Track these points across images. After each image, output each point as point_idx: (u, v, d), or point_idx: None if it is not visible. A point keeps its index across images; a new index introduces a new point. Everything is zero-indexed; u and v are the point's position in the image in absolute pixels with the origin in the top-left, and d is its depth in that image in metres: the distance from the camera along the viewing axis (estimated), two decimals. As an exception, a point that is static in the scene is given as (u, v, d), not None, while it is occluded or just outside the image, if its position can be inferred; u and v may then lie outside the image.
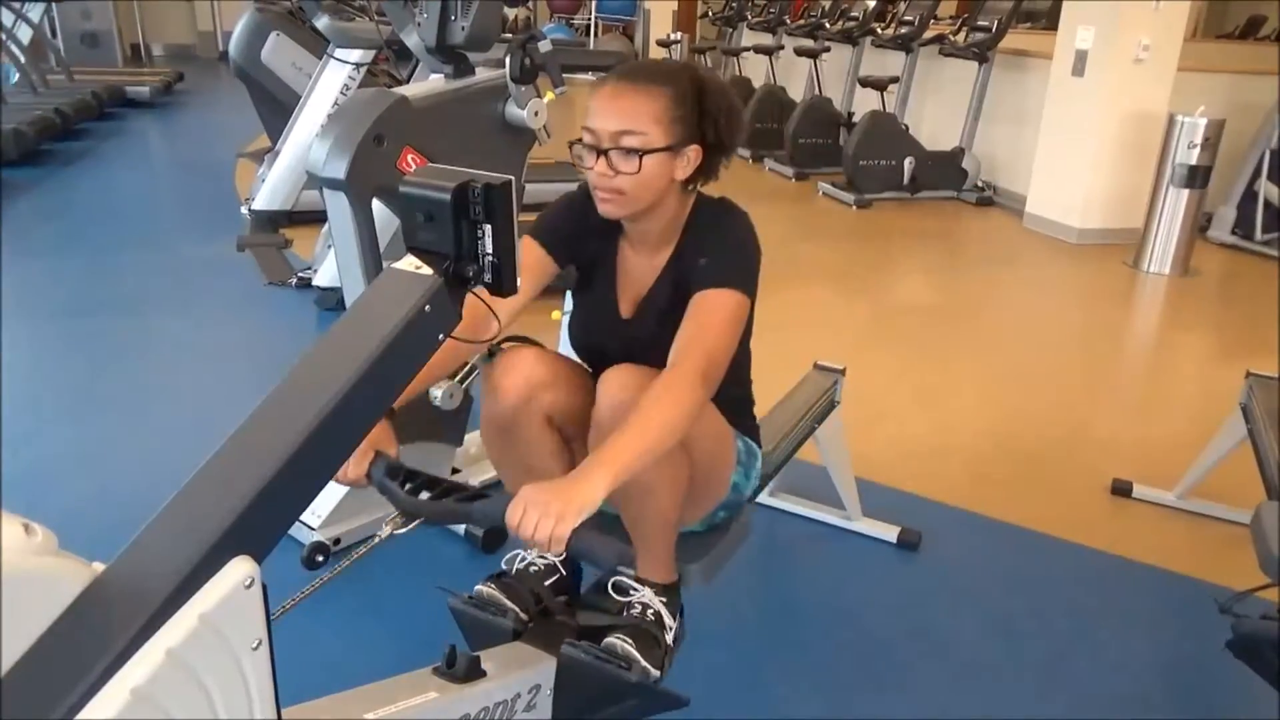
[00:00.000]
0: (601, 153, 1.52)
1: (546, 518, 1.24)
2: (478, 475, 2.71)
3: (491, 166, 1.22)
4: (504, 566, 1.76)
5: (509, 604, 1.67)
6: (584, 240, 1.71)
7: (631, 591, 1.67)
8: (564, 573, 1.76)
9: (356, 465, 1.39)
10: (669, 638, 1.64)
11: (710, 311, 1.54)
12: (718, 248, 1.59)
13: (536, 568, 1.75)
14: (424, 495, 1.34)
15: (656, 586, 1.67)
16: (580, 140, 1.56)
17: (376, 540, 1.53)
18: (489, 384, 1.63)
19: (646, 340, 1.58)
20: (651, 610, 1.64)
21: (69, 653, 0.90)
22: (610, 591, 1.68)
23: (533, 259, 1.66)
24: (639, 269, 1.69)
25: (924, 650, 2.21)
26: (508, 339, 2.58)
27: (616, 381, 1.50)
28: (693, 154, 1.56)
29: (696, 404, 1.44)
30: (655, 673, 1.57)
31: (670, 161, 1.54)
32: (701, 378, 1.46)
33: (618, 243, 1.71)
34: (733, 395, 1.74)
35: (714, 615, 2.11)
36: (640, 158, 1.50)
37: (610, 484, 1.31)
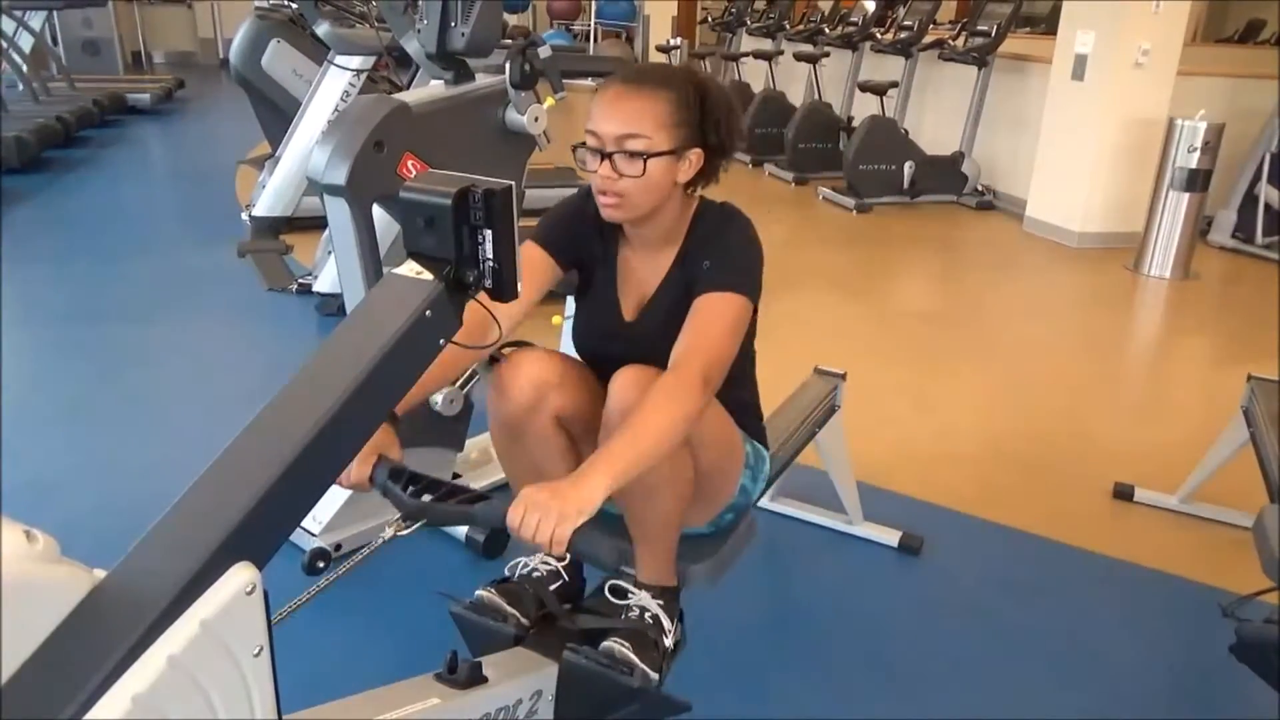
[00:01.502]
0: (605, 156, 1.53)
1: (548, 519, 1.24)
2: (479, 480, 2.70)
3: (492, 172, 1.22)
4: (506, 573, 1.76)
5: (510, 609, 1.66)
6: (586, 243, 1.72)
7: (629, 595, 1.67)
8: (567, 578, 1.76)
9: (359, 469, 1.39)
10: (667, 641, 1.64)
11: (712, 315, 1.55)
12: (721, 251, 1.60)
13: (540, 573, 1.75)
14: (426, 498, 1.35)
15: (654, 590, 1.67)
16: (583, 144, 1.56)
17: (379, 543, 1.53)
18: (497, 384, 1.64)
19: (651, 343, 1.58)
20: (649, 614, 1.64)
21: (71, 660, 0.90)
22: (607, 594, 1.68)
23: (535, 262, 1.67)
24: (642, 272, 1.70)
25: (926, 655, 2.21)
26: (509, 344, 2.58)
27: (626, 382, 1.50)
28: (694, 157, 1.57)
29: (696, 407, 1.45)
30: (654, 676, 1.57)
31: (673, 165, 1.56)
32: (702, 381, 1.46)
33: (619, 246, 1.72)
34: (740, 399, 1.74)
35: (716, 620, 2.10)
36: (644, 161, 1.52)
37: (610, 486, 1.31)
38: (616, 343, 1.69)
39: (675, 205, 1.62)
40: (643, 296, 1.70)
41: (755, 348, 1.78)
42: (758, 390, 1.84)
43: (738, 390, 1.71)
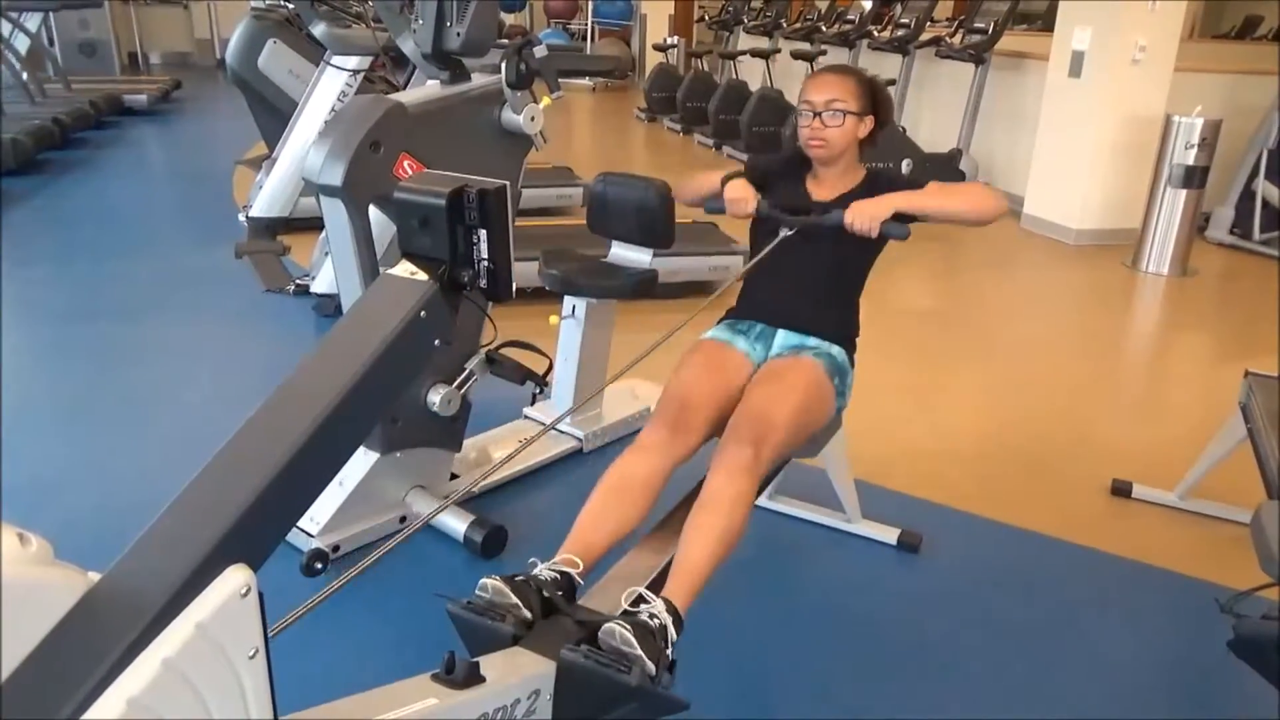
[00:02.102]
0: (817, 114, 2.19)
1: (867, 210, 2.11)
2: (477, 481, 2.70)
3: (488, 172, 1.23)
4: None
5: (513, 598, 1.66)
6: (781, 179, 2.35)
7: (645, 602, 1.68)
8: (571, 587, 1.76)
9: (753, 201, 2.23)
10: (669, 652, 1.64)
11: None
12: (885, 184, 2.26)
13: (545, 577, 1.74)
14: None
15: (670, 607, 1.68)
16: (799, 110, 2.24)
17: (393, 541, 1.52)
18: (641, 438, 2.02)
19: (829, 210, 2.19)
20: (658, 621, 1.64)
21: (65, 662, 0.90)
22: (623, 603, 1.69)
23: (749, 192, 2.27)
24: (824, 197, 2.29)
25: (924, 652, 2.21)
26: (508, 344, 2.59)
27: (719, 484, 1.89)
28: (869, 122, 2.24)
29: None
30: (651, 667, 1.56)
31: (857, 123, 2.21)
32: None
33: (805, 176, 2.33)
34: (856, 304, 2.36)
35: (714, 618, 2.10)
36: (845, 116, 2.18)
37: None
38: (804, 211, 2.25)
39: (853, 154, 2.28)
40: (828, 197, 2.28)
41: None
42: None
43: (856, 295, 2.37)
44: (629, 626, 1.57)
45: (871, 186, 2.27)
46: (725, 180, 2.30)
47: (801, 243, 2.22)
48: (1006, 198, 2.18)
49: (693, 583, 1.76)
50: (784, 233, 2.21)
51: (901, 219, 2.15)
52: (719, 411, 2.07)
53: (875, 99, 2.25)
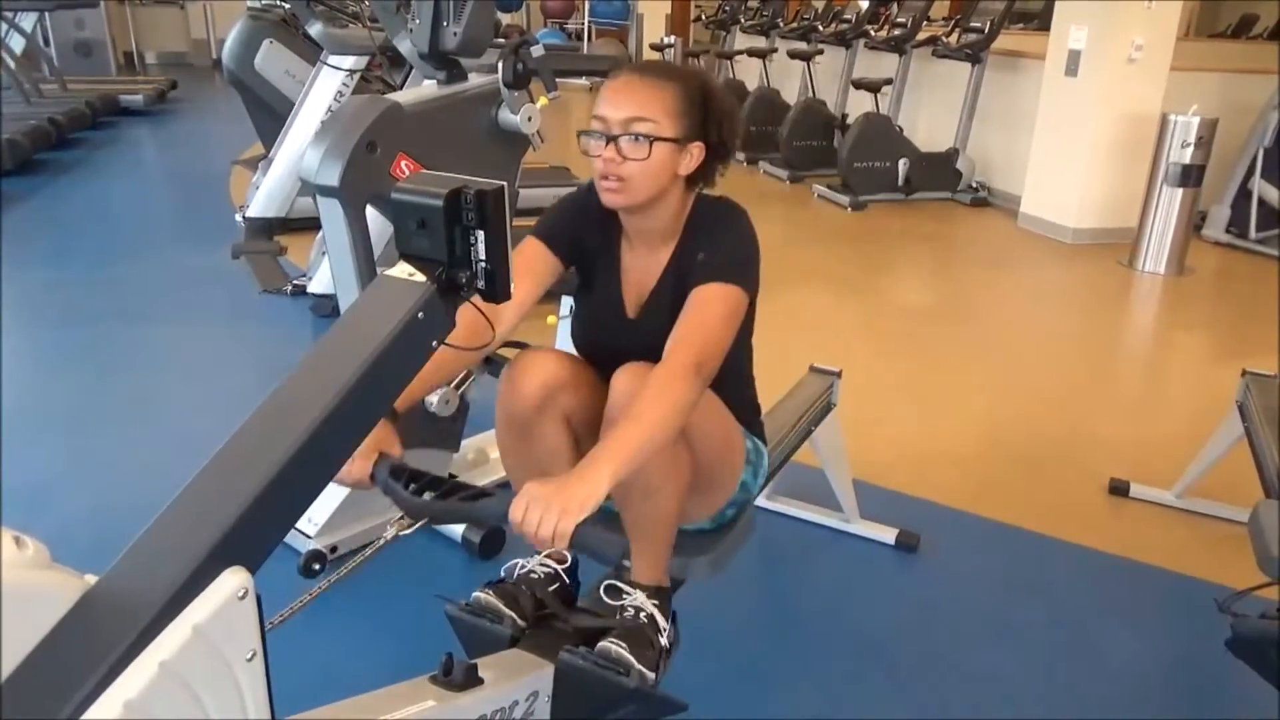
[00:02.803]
0: (611, 139, 1.56)
1: (550, 514, 1.25)
2: (476, 480, 2.69)
3: (485, 172, 1.22)
4: (503, 574, 1.76)
5: (506, 610, 1.66)
6: (588, 239, 1.73)
7: (624, 595, 1.66)
8: (565, 581, 1.76)
9: (360, 466, 1.39)
10: (663, 640, 1.64)
11: (705, 305, 1.55)
12: (717, 243, 1.62)
13: (537, 575, 1.74)
14: (428, 495, 1.34)
15: (649, 589, 1.67)
16: (589, 130, 1.58)
17: (381, 543, 1.53)
18: (507, 383, 1.64)
19: (652, 339, 1.56)
20: (644, 613, 1.64)
21: (62, 666, 0.90)
22: (602, 594, 1.68)
23: (536, 259, 1.69)
24: (641, 268, 1.71)
25: (923, 651, 2.21)
26: (507, 345, 2.58)
27: (626, 379, 1.51)
28: (696, 151, 1.60)
29: (691, 396, 1.46)
30: (651, 676, 1.56)
31: (675, 154, 1.58)
32: (695, 371, 1.47)
33: (619, 242, 1.73)
34: (738, 395, 1.76)
35: (712, 619, 2.10)
36: (650, 144, 1.54)
37: (612, 477, 1.32)
38: (618, 339, 1.69)
39: (675, 199, 1.64)
40: (643, 292, 1.70)
41: (752, 344, 1.78)
42: (755, 386, 1.85)
43: (736, 386, 1.73)
44: (623, 643, 1.56)
45: (679, 263, 1.66)
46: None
47: (631, 346, 1.60)
48: (689, 397, 1.48)
49: (657, 545, 1.63)
50: (388, 535, 1.58)
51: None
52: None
53: (706, 114, 1.59)
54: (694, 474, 1.61)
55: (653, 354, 1.52)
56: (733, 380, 1.66)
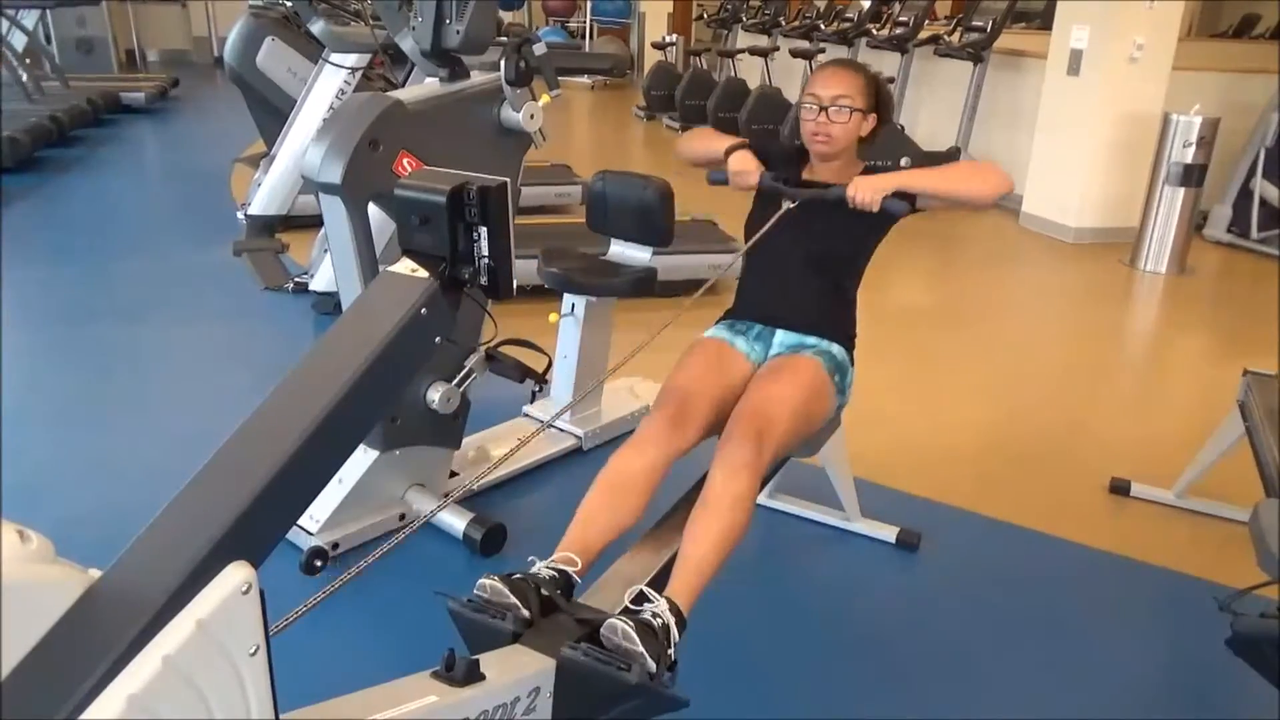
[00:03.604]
0: (823, 109, 2.18)
1: (869, 185, 2.09)
2: (475, 485, 2.70)
3: (487, 169, 1.22)
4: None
5: (511, 597, 1.65)
6: (780, 165, 2.33)
7: (649, 600, 1.67)
8: (571, 587, 1.76)
9: (756, 172, 2.23)
10: (670, 652, 1.64)
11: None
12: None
13: (543, 576, 1.74)
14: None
15: (673, 607, 1.68)
16: (804, 103, 2.22)
17: (397, 539, 1.52)
18: (639, 432, 1.98)
19: (824, 186, 2.22)
20: (661, 620, 1.64)
21: (65, 660, 0.90)
22: (626, 600, 1.69)
23: (753, 164, 2.29)
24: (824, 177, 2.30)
25: (923, 650, 2.21)
26: (507, 341, 2.58)
27: (722, 478, 1.88)
28: (871, 120, 2.25)
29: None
30: (652, 665, 1.56)
31: (860, 121, 2.22)
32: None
33: (801, 172, 2.32)
34: (853, 298, 2.35)
35: (714, 616, 2.10)
36: (850, 113, 2.18)
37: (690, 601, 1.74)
38: (802, 186, 2.26)
39: (852, 151, 2.28)
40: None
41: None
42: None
43: (853, 288, 2.35)
44: (631, 624, 1.56)
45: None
46: (729, 151, 2.30)
47: (799, 235, 2.21)
48: (1007, 176, 2.22)
49: (695, 582, 1.76)
50: (787, 205, 2.20)
51: (902, 198, 2.13)
52: (717, 408, 2.07)
53: (879, 97, 2.26)
54: (802, 435, 2.11)
55: (816, 221, 2.20)
56: (852, 282, 2.34)
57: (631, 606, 1.68)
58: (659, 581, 1.80)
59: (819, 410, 2.15)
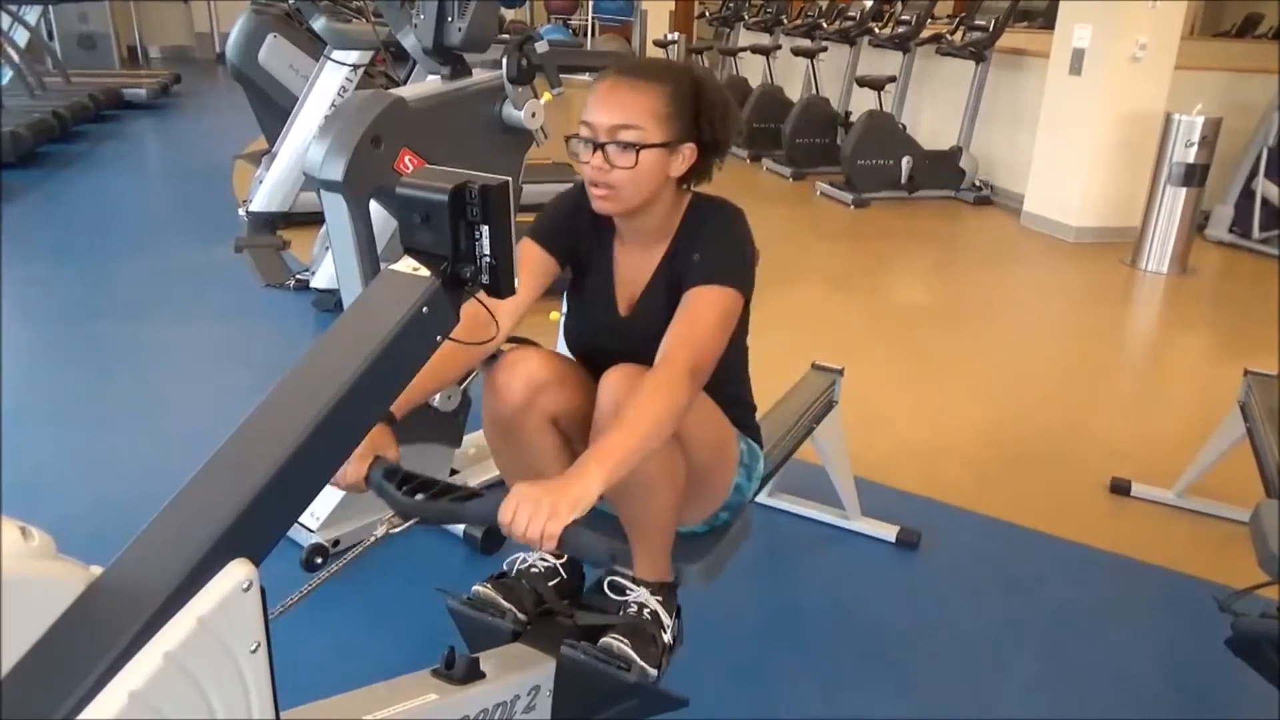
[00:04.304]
0: (598, 146, 1.53)
1: (538, 515, 1.24)
2: (477, 476, 2.70)
3: (489, 168, 1.22)
4: (504, 568, 1.76)
5: (506, 605, 1.66)
6: (582, 239, 1.71)
7: (628, 591, 1.67)
8: (565, 575, 1.76)
9: (355, 469, 1.38)
10: (666, 637, 1.64)
11: (700, 308, 1.53)
12: (711, 244, 1.59)
13: (537, 569, 1.75)
14: (420, 496, 1.34)
15: (652, 586, 1.67)
16: (576, 135, 1.56)
17: (371, 541, 1.54)
18: (490, 384, 1.63)
19: (644, 339, 1.55)
20: (648, 610, 1.64)
21: (67, 657, 0.90)
22: (606, 590, 1.68)
23: (533, 259, 1.67)
24: (634, 267, 1.69)
25: (923, 649, 2.21)
26: (511, 341, 2.58)
27: (616, 380, 1.50)
28: (688, 152, 1.57)
29: (685, 399, 1.45)
30: (653, 672, 1.57)
31: (666, 158, 1.55)
32: (689, 374, 1.46)
33: (613, 241, 1.71)
34: (732, 395, 1.74)
35: (713, 615, 2.11)
36: (636, 152, 1.51)
37: (603, 480, 1.31)
38: (610, 338, 1.69)
39: (668, 200, 1.61)
40: (635, 292, 1.68)
41: (749, 344, 1.77)
42: (750, 387, 1.83)
43: (730, 386, 1.72)
44: (625, 639, 1.56)
45: (672, 263, 1.64)
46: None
47: (622, 349, 1.60)
48: (681, 399, 1.46)
49: (656, 541, 1.64)
50: (379, 533, 1.58)
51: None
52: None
53: (699, 111, 1.56)
54: (686, 478, 1.60)
55: (645, 354, 1.51)
56: (724, 380, 1.62)
57: (614, 597, 1.67)
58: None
59: (720, 468, 1.71)
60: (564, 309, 2.94)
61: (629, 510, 1.62)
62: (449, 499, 1.31)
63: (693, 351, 1.48)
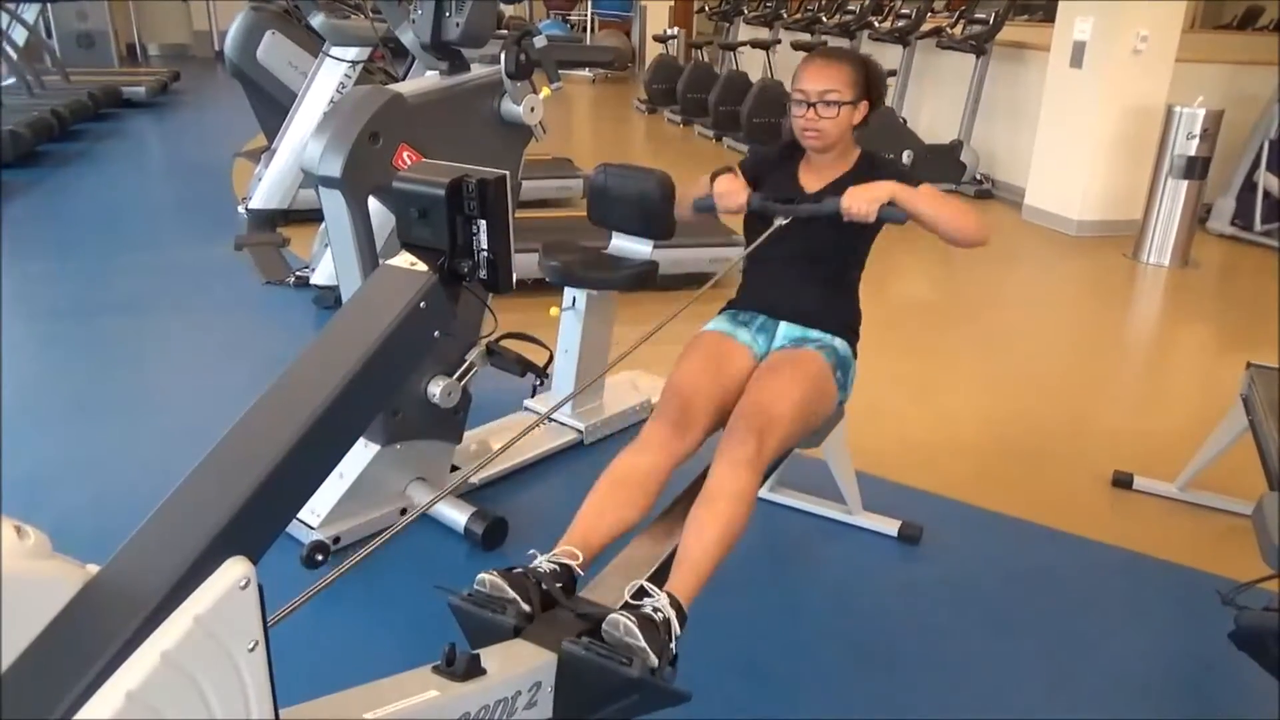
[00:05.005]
0: (811, 105, 2.17)
1: (867, 194, 2.09)
2: (477, 475, 2.70)
3: (487, 163, 1.22)
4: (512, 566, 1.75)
5: (511, 592, 1.65)
6: (774, 169, 2.35)
7: (649, 595, 1.67)
8: (572, 580, 1.75)
9: (741, 198, 2.22)
10: (673, 646, 1.64)
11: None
12: (886, 169, 2.27)
13: (544, 570, 1.74)
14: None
15: (674, 601, 1.68)
16: (793, 98, 2.22)
17: (394, 530, 1.51)
18: (643, 435, 1.99)
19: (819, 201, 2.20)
20: (662, 615, 1.64)
21: (63, 656, 0.90)
22: (626, 595, 1.68)
23: (738, 184, 2.28)
24: (817, 176, 2.29)
25: (925, 644, 2.21)
26: (508, 335, 2.58)
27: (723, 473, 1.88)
28: (863, 107, 2.24)
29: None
30: (654, 660, 1.56)
31: (851, 111, 2.20)
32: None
33: (798, 166, 2.32)
34: (854, 287, 2.36)
35: (715, 610, 2.10)
36: (839, 108, 2.17)
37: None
38: (794, 202, 2.24)
39: (848, 139, 2.27)
40: (822, 183, 2.27)
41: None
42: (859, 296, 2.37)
43: (853, 297, 2.36)
44: (634, 618, 1.56)
45: (867, 171, 2.25)
46: (714, 176, 2.29)
47: (799, 231, 2.20)
48: (989, 232, 2.21)
49: (696, 577, 1.76)
50: (779, 222, 2.20)
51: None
52: (721, 405, 2.06)
53: (869, 82, 2.23)
54: (804, 430, 2.10)
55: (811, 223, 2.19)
56: (854, 271, 2.34)
57: (632, 601, 1.67)
58: (660, 576, 1.79)
59: (821, 405, 2.14)
60: (564, 304, 2.95)
61: (689, 542, 1.80)
62: (809, 203, 2.18)
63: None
